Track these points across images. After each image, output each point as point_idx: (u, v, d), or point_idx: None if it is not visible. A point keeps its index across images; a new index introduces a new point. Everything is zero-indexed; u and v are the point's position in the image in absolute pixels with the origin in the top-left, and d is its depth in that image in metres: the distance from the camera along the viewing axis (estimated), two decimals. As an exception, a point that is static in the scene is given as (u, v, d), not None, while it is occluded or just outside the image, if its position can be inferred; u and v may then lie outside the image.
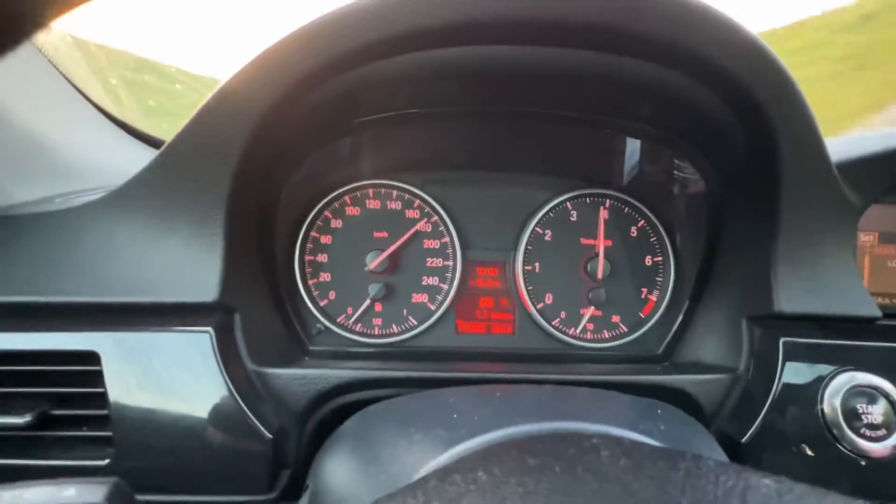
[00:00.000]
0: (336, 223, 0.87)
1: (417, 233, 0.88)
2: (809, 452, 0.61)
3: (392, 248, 0.85)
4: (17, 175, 0.77)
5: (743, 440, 0.62)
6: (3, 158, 0.77)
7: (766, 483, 0.26)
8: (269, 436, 0.58)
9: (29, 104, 0.85)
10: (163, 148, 0.60)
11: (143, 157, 0.62)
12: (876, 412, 0.62)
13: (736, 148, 0.68)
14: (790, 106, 0.57)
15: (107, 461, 0.57)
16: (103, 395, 0.57)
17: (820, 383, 0.63)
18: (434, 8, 0.51)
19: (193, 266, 0.62)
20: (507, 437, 0.37)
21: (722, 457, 0.49)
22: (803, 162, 0.61)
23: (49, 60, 0.92)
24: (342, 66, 0.56)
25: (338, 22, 0.52)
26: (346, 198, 0.87)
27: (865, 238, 0.85)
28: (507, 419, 0.40)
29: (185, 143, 0.59)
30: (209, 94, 0.58)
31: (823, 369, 0.64)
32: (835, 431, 0.61)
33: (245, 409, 0.58)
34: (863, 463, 0.60)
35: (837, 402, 0.62)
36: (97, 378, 0.57)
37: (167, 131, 1.13)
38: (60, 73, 0.94)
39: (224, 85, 0.56)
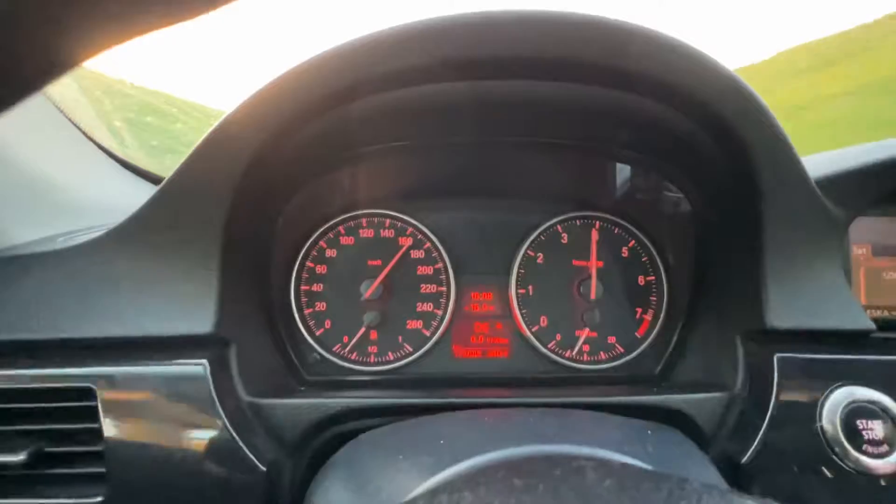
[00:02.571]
0: (331, 253, 0.89)
1: (411, 259, 0.89)
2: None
3: (383, 273, 0.86)
4: (22, 216, 0.80)
5: (743, 460, 0.61)
6: (9, 201, 0.80)
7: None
8: (263, 468, 0.58)
9: (33, 146, 0.89)
10: (160, 186, 0.63)
11: (146, 194, 0.65)
12: (877, 428, 0.61)
13: (716, 169, 0.70)
14: (762, 128, 0.59)
15: (100, 499, 0.57)
16: (97, 431, 0.57)
17: (818, 400, 0.62)
18: (414, 49, 0.54)
19: (190, 300, 0.63)
20: (493, 460, 0.38)
21: (716, 478, 0.48)
22: (781, 180, 0.62)
23: (54, 104, 0.96)
24: (327, 105, 0.59)
25: (322, 64, 0.55)
26: (340, 228, 0.89)
27: (859, 251, 0.85)
28: (494, 443, 0.40)
29: (181, 181, 0.61)
30: (205, 134, 0.61)
31: (821, 385, 0.63)
32: (837, 449, 0.60)
33: (239, 441, 0.58)
34: (880, 482, 0.58)
35: (837, 419, 0.61)
36: (92, 413, 0.58)
37: (169, 168, 1.17)
38: (65, 115, 0.98)
39: (217, 126, 0.59)
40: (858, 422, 0.60)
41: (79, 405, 0.58)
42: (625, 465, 0.32)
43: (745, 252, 0.69)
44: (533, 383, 0.87)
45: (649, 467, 0.38)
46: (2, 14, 0.15)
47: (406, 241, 0.90)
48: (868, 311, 0.81)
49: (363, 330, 0.86)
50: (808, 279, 0.67)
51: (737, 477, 0.61)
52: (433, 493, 0.30)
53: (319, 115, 0.61)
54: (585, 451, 0.39)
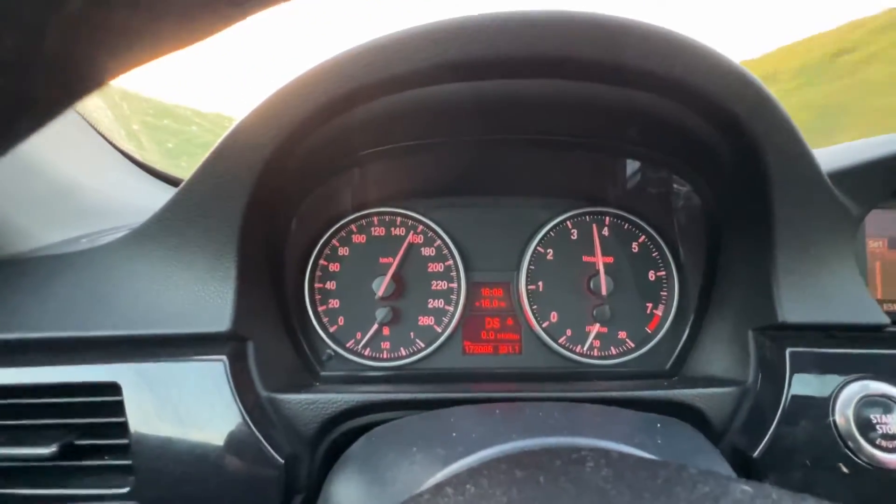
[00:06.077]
0: (343, 251, 0.90)
1: (422, 257, 0.91)
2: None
3: (392, 269, 0.88)
4: (47, 219, 0.83)
5: (755, 454, 0.61)
6: (36, 204, 0.83)
7: (742, 489, 0.26)
8: (281, 461, 0.60)
9: (57, 151, 0.92)
10: (178, 189, 0.65)
11: (164, 195, 0.67)
12: (891, 422, 0.60)
13: (726, 164, 0.69)
14: (772, 121, 0.59)
15: (127, 489, 0.59)
16: (124, 425, 0.60)
17: (830, 394, 0.62)
18: (420, 52, 0.55)
19: (208, 298, 0.65)
20: (500, 453, 0.39)
21: (726, 470, 0.48)
22: (792, 173, 0.62)
23: (75, 110, 0.99)
24: (338, 108, 0.60)
25: (332, 68, 0.56)
26: (353, 226, 0.91)
27: (875, 245, 0.84)
28: (502, 437, 0.41)
29: (198, 184, 0.63)
30: (220, 138, 0.62)
31: (833, 379, 0.63)
32: (850, 443, 0.60)
33: (258, 434, 0.60)
34: (894, 476, 0.58)
35: (850, 413, 0.61)
36: (118, 408, 0.60)
37: (185, 170, 1.20)
38: (86, 120, 1.02)
39: (232, 130, 0.61)
40: (872, 416, 0.60)
41: (106, 400, 0.61)
42: (623, 455, 0.33)
43: (757, 246, 0.68)
44: (543, 378, 0.87)
45: (650, 457, 0.39)
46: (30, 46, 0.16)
47: (417, 239, 0.91)
48: (885, 305, 0.80)
49: (376, 326, 0.88)
50: (821, 273, 0.66)
51: (749, 470, 0.61)
52: (439, 486, 0.31)
53: (332, 117, 0.62)
54: (586, 442, 0.40)
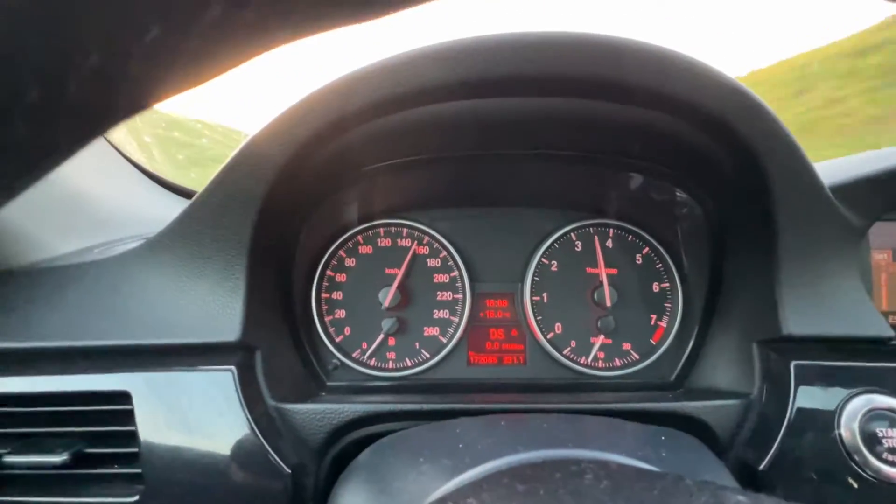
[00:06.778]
0: (350, 262, 0.91)
1: (427, 268, 0.92)
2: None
3: (397, 280, 0.89)
4: (60, 230, 0.85)
5: (760, 467, 0.61)
6: (49, 215, 0.85)
7: (738, 499, 0.27)
8: (288, 470, 0.60)
9: (69, 163, 0.94)
10: (191, 202, 0.66)
11: (174, 206, 0.68)
12: (898, 436, 0.60)
13: (728, 178, 0.70)
14: (770, 135, 0.60)
15: (136, 497, 0.60)
16: (134, 434, 0.61)
17: (836, 407, 0.62)
18: (428, 71, 0.57)
19: (218, 309, 0.66)
20: (505, 465, 0.39)
21: (731, 483, 0.48)
22: (794, 187, 0.62)
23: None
24: (348, 125, 0.62)
25: (342, 87, 0.58)
26: (359, 237, 0.92)
27: (879, 256, 0.85)
28: (508, 449, 0.42)
29: (210, 197, 0.65)
30: (232, 153, 0.64)
31: (838, 393, 0.63)
32: (856, 457, 0.60)
33: (265, 444, 0.61)
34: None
35: (856, 427, 0.60)
36: (129, 417, 0.61)
37: (195, 181, 1.22)
38: (100, 134, 1.04)
39: (244, 145, 0.62)
40: (878, 429, 0.60)
41: (116, 409, 0.62)
42: (622, 467, 0.33)
43: (760, 259, 0.69)
44: (548, 389, 0.87)
45: (649, 468, 0.39)
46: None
47: (423, 251, 0.92)
48: (890, 317, 0.80)
49: (381, 336, 0.88)
50: (825, 286, 0.67)
51: (755, 483, 0.61)
52: (441, 500, 0.31)
53: (342, 133, 0.63)
54: (587, 454, 0.41)
